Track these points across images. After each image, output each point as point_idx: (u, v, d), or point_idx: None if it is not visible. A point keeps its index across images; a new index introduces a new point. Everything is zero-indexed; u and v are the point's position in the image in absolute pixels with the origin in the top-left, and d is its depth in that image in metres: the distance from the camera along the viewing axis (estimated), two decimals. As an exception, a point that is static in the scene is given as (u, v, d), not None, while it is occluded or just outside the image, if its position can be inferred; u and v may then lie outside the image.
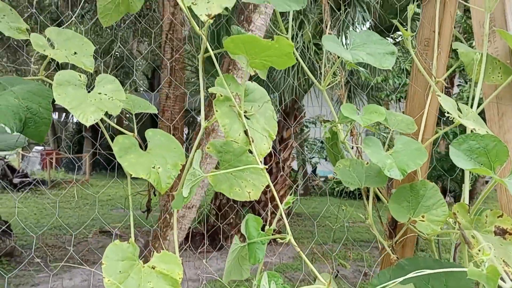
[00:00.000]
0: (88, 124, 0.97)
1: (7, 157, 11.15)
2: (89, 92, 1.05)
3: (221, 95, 1.08)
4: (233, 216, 7.63)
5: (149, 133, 1.12)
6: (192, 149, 1.09)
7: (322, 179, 13.67)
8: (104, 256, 0.95)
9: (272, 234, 1.12)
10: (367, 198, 1.25)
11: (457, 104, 1.22)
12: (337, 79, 1.31)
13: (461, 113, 1.23)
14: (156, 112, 1.20)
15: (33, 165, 12.84)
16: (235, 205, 7.22)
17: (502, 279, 0.93)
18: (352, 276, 5.65)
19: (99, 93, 1.04)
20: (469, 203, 1.18)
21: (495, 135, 1.02)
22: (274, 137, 1.13)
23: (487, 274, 0.81)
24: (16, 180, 10.41)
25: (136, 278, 0.97)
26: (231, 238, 7.27)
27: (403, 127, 1.26)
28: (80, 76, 1.04)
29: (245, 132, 1.07)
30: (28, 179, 10.84)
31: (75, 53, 1.08)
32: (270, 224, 1.17)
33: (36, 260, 6.35)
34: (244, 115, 1.11)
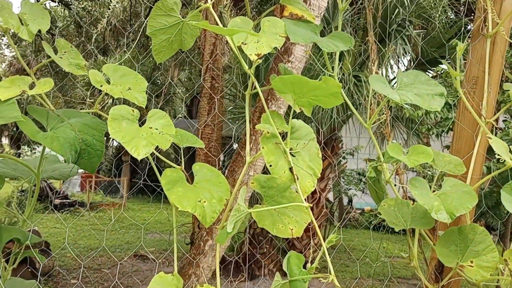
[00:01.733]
0: (139, 158, 1.00)
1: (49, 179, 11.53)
2: (140, 125, 1.10)
3: (268, 132, 1.09)
4: (267, 246, 7.57)
5: (196, 167, 1.15)
6: (236, 185, 1.10)
7: (359, 211, 13.42)
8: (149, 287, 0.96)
9: (314, 273, 1.11)
10: (412, 240, 1.22)
11: (509, 147, 1.19)
12: (382, 117, 1.31)
13: (513, 155, 1.19)
14: (203, 146, 1.23)
15: (73, 187, 13.24)
16: (269, 234, 7.14)
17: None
18: (389, 315, 5.43)
19: (150, 128, 1.08)
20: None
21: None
22: (319, 175, 1.13)
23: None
24: (56, 201, 10.75)
25: (179, 312, 0.97)
26: (264, 267, 7.20)
27: (451, 168, 1.23)
28: (133, 111, 1.09)
29: (290, 169, 1.08)
30: (68, 200, 11.17)
31: (129, 88, 1.13)
32: (312, 262, 1.16)
33: (73, 281, 6.47)
34: (290, 153, 1.12)
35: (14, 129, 11.49)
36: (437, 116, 6.53)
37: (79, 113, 1.18)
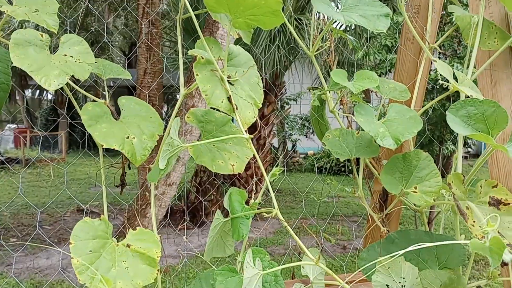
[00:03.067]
0: (51, 89, 0.86)
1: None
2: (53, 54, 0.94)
3: (202, 58, 0.98)
4: (214, 193, 7.59)
5: (123, 100, 1.02)
6: (171, 118, 0.99)
7: (302, 155, 13.71)
8: (72, 234, 0.86)
9: (258, 208, 1.05)
10: (357, 170, 1.18)
11: (453, 71, 1.15)
12: (326, 44, 1.23)
13: (457, 80, 1.16)
14: (130, 77, 1.09)
15: (6, 143, 12.45)
16: (216, 181, 7.16)
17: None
18: (332, 250, 5.69)
19: (65, 55, 0.93)
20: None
21: (493, 100, 0.96)
22: (260, 105, 1.04)
23: (491, 247, 0.75)
24: (-12, 159, 10.10)
25: (108, 257, 0.88)
26: (212, 214, 7.23)
27: (396, 95, 1.19)
28: (42, 35, 0.93)
29: (229, 98, 0.98)
30: (1, 157, 10.53)
31: (36, 10, 0.96)
32: (256, 198, 1.10)
33: (12, 240, 6.20)
34: (228, 81, 1.02)
35: None
36: (376, 58, 6.61)
37: (-21, 42, 1.00)
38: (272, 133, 8.93)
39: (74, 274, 0.88)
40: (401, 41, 1.53)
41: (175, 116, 1.04)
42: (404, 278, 1.08)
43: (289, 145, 12.69)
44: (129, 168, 1.08)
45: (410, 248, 0.83)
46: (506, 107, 1.32)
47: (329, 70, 1.20)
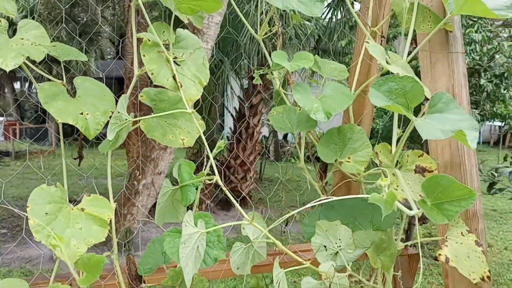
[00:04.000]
0: (8, 69, 0.96)
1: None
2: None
3: (149, 40, 1.08)
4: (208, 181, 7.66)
5: (78, 80, 1.12)
6: (121, 96, 1.09)
7: (293, 145, 13.79)
8: (29, 199, 0.96)
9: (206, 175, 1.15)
10: (299, 144, 1.29)
11: (387, 52, 1.26)
12: (274, 29, 1.33)
13: (390, 60, 1.27)
14: (86, 59, 1.19)
15: (-5, 136, 12.48)
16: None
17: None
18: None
19: (22, 39, 1.03)
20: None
21: (411, 76, 1.07)
22: (205, 84, 1.14)
23: (386, 199, 0.86)
24: (-23, 152, 10.12)
25: (64, 220, 0.98)
26: (203, 203, 7.34)
27: (336, 74, 1.29)
28: (1, 21, 1.02)
29: (174, 77, 1.08)
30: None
31: (-5, -2, 1.05)
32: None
33: (3, 231, 6.28)
34: (175, 62, 1.12)
35: None
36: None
37: None
38: (261, 122, 9.02)
39: (64, 263, 0.97)
40: (357, 30, 1.64)
41: (129, 97, 1.14)
42: (340, 239, 1.19)
43: (280, 135, 12.78)
44: (87, 144, 1.18)
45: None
46: (443, 84, 1.44)
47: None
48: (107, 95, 1.13)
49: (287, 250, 1.09)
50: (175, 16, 1.14)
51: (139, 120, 1.15)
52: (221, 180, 1.09)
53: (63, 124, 1.08)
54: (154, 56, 1.08)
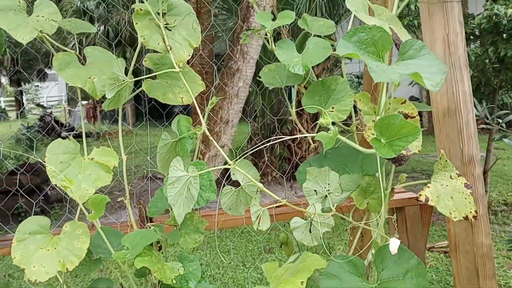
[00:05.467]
0: (24, 42, 1.15)
1: (53, 112, 11.84)
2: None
3: (141, 9, 1.22)
4: (268, 155, 7.92)
5: (88, 49, 1.30)
6: (117, 60, 1.25)
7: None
8: (47, 151, 1.16)
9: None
10: (290, 99, 1.38)
11: (371, 4, 1.30)
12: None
13: (376, 13, 1.30)
14: (95, 31, 1.36)
15: (78, 119, 13.56)
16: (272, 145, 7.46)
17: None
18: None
19: (37, 16, 1.22)
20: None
21: (379, 26, 1.11)
22: (195, 46, 1.27)
23: (330, 136, 0.94)
24: (63, 134, 11.13)
25: (76, 167, 1.18)
26: (269, 175, 7.53)
27: (324, 30, 1.35)
28: (19, 2, 1.22)
29: (164, 41, 1.22)
30: (75, 132, 11.53)
31: (16, -17, 1.24)
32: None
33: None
34: (166, 27, 1.25)
35: (11, 68, 11.62)
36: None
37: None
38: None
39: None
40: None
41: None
42: (329, 184, 1.28)
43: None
44: (98, 103, 1.36)
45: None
46: (440, 34, 1.45)
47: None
48: (113, 61, 1.29)
49: (267, 191, 1.20)
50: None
51: (142, 82, 1.31)
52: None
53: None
54: (145, 23, 1.22)
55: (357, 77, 12.11)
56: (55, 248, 1.11)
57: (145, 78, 1.29)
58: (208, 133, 1.23)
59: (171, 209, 1.27)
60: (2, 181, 5.60)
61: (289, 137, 1.14)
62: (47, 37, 1.23)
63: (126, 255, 1.10)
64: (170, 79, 1.34)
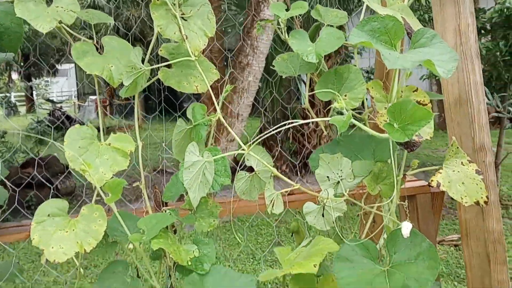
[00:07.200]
0: (44, 31, 1.19)
1: (63, 107, 11.94)
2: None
3: (158, 0, 1.25)
4: (277, 148, 7.96)
5: (106, 39, 1.33)
6: (134, 49, 1.28)
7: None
8: (65, 137, 1.19)
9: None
10: (298, 91, 1.40)
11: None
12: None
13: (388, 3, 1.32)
14: (112, 21, 1.39)
15: (89, 114, 13.68)
16: (278, 136, 7.51)
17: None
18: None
19: (57, 6, 1.25)
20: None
21: (392, 15, 1.12)
22: (210, 35, 1.29)
23: (344, 119, 0.96)
24: (74, 128, 11.20)
25: (94, 152, 1.21)
26: (278, 169, 7.56)
27: (337, 20, 1.37)
28: (39, -7, 1.25)
29: (180, 30, 1.25)
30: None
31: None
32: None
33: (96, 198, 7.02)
34: (182, 17, 1.28)
35: (22, 63, 11.74)
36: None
37: None
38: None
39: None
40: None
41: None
42: (341, 170, 1.31)
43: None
44: (116, 93, 1.39)
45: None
46: (451, 24, 1.46)
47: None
48: (130, 51, 1.32)
49: (281, 175, 1.23)
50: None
51: (158, 70, 1.34)
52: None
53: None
54: (162, 13, 1.25)
55: (367, 71, 12.09)
56: (73, 230, 1.15)
57: (161, 67, 1.32)
58: (223, 119, 1.25)
59: (186, 194, 1.30)
60: (15, 173, 5.69)
61: (303, 121, 1.15)
62: (65, 27, 1.26)
63: (142, 237, 1.14)
64: (185, 68, 1.37)
